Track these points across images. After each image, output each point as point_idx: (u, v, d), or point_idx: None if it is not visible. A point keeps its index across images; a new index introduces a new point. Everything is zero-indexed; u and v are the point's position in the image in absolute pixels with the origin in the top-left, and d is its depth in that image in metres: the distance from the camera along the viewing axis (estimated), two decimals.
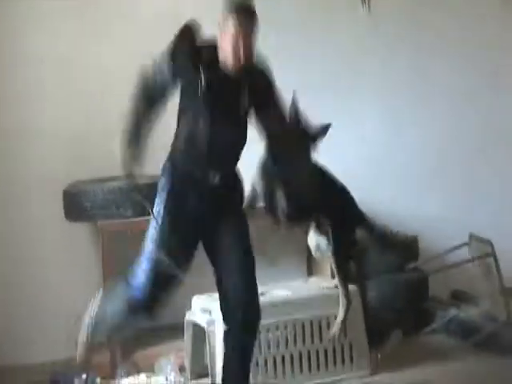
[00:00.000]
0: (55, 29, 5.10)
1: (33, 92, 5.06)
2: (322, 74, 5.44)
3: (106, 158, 4.61)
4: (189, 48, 3.48)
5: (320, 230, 4.12)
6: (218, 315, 4.13)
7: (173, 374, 4.44)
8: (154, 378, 4.40)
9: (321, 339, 4.40)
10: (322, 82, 5.41)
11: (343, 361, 4.41)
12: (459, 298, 5.39)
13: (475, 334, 4.80)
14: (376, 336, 4.72)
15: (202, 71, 3.39)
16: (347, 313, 4.13)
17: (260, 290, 4.18)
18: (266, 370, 4.31)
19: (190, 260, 3.55)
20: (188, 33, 3.52)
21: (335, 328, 4.15)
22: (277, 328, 4.36)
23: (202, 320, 4.37)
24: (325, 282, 4.79)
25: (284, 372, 4.35)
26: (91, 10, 5.13)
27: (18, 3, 5.02)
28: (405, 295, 5.12)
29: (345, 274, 4.13)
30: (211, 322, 4.27)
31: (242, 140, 3.56)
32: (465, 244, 5.10)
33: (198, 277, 4.48)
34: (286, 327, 4.36)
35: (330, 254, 4.11)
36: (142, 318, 3.64)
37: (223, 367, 3.68)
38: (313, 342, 4.39)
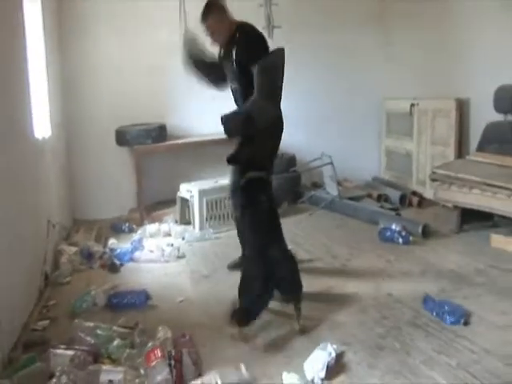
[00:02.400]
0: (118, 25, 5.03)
1: (101, 69, 5.06)
2: None
3: (140, 112, 5.16)
4: None
5: None
6: (195, 193, 4.57)
7: (171, 223, 4.76)
8: (162, 225, 4.66)
9: None
10: None
11: None
12: (315, 185, 5.70)
13: (322, 202, 5.20)
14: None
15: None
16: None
17: (214, 180, 4.78)
18: (219, 221, 4.61)
19: None
20: None
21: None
22: (224, 199, 4.61)
23: (186, 195, 4.71)
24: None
25: (228, 221, 4.58)
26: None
27: None
28: (289, 184, 5.31)
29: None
30: (192, 197, 4.64)
31: (240, 89, 3.14)
32: (319, 158, 5.24)
33: (183, 174, 5.12)
34: (228, 199, 4.38)
35: None
36: None
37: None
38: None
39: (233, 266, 3.67)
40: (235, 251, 4.16)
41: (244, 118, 2.84)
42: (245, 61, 2.96)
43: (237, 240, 4.45)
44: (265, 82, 2.85)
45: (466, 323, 2.76)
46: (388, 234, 4.19)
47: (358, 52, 5.99)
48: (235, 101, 3.29)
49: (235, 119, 2.87)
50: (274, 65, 2.90)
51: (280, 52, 2.93)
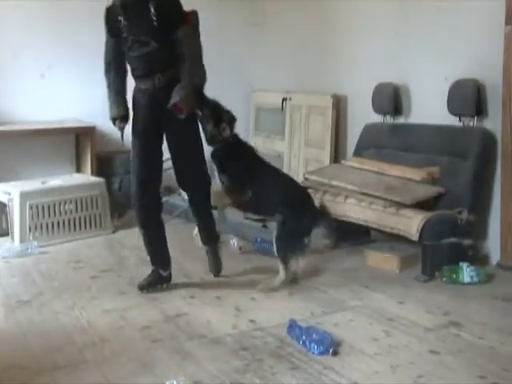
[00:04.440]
0: None
1: None
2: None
3: None
4: (109, 9, 3.49)
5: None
6: (15, 196, 4.49)
7: None
8: None
9: (82, 210, 4.75)
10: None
11: (96, 225, 4.84)
12: (169, 190, 5.42)
13: (176, 210, 5.29)
14: (118, 211, 5.13)
15: (120, 14, 3.40)
16: (278, 284, 3.68)
17: (41, 180, 4.73)
18: (47, 231, 4.62)
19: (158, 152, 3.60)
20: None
21: (262, 286, 3.70)
22: (55, 205, 4.63)
23: (3, 198, 4.63)
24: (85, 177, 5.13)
25: (58, 231, 4.67)
26: None
27: None
28: None
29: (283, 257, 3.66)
30: (11, 200, 4.56)
31: (159, 49, 3.40)
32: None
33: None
34: (60, 204, 4.66)
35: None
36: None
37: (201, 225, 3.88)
38: (77, 212, 4.75)
39: (147, 286, 3.70)
40: (65, 269, 4.08)
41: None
42: (170, 18, 3.38)
43: (68, 256, 4.37)
44: (199, 45, 3.47)
45: (336, 353, 2.89)
46: (266, 246, 4.26)
47: (221, 32, 6.04)
48: (139, 69, 3.48)
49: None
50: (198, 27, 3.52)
51: (197, 15, 3.54)
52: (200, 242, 4.02)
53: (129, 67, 3.59)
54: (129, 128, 3.61)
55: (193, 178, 3.70)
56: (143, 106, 3.55)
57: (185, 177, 3.70)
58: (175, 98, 3.39)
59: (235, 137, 3.80)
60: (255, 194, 3.71)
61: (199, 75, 3.51)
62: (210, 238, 3.96)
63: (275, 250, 3.70)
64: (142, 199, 3.61)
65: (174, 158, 3.67)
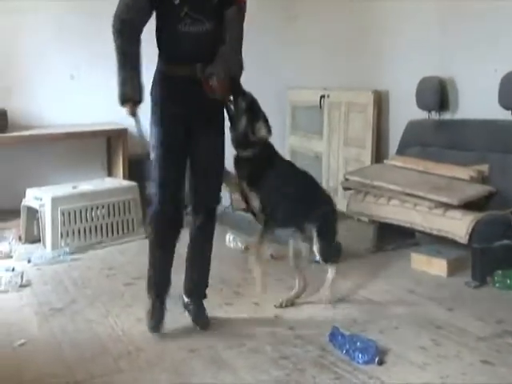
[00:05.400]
0: None
1: None
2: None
3: None
4: None
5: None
6: (47, 201, 4.54)
7: (13, 240, 4.71)
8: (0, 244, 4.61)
9: (114, 215, 4.81)
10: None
11: (128, 230, 4.90)
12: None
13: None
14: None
15: None
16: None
17: (72, 185, 4.81)
18: (78, 238, 4.66)
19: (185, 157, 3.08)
20: None
21: (327, 297, 3.58)
22: (86, 210, 4.69)
23: (35, 204, 4.65)
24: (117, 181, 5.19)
25: (90, 237, 4.72)
26: None
27: None
28: None
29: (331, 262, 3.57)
30: (42, 206, 4.59)
31: (211, 32, 2.99)
32: None
33: (31, 177, 5.08)
34: (92, 209, 4.71)
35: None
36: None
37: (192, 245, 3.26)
38: (109, 217, 4.81)
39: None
40: (98, 276, 4.14)
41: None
42: None
43: (101, 262, 4.41)
44: (242, 31, 3.18)
45: (381, 362, 2.87)
46: None
47: (252, 26, 5.98)
48: (183, 51, 3.01)
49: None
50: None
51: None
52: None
53: (162, 46, 3.08)
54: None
55: (212, 198, 3.20)
56: (176, 98, 3.04)
57: (203, 194, 3.17)
58: (211, 70, 2.99)
59: (270, 144, 3.37)
60: (285, 206, 3.38)
61: (238, 61, 3.12)
62: (199, 286, 3.37)
63: (322, 261, 3.55)
64: (165, 210, 3.11)
65: (198, 168, 3.13)
